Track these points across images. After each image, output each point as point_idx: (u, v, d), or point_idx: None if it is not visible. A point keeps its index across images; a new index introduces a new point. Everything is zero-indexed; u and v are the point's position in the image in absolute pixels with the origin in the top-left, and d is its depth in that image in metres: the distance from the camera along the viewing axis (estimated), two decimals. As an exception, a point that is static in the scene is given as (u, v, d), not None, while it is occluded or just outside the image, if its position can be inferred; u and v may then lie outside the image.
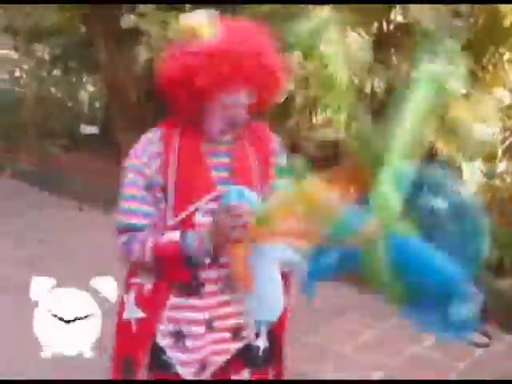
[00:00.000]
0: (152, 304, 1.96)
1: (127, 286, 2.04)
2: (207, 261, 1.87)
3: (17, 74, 11.49)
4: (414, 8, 5.29)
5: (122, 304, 2.06)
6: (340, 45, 1.69)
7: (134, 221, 1.92)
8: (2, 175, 8.63)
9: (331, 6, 5.72)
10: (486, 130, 5.23)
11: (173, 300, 1.95)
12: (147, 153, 1.92)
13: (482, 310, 4.37)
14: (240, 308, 1.95)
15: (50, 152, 8.49)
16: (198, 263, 1.86)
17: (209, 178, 1.93)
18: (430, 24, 5.07)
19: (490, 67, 5.97)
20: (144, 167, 1.91)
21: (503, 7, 5.13)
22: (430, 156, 6.34)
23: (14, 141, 10.06)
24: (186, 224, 1.88)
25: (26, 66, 10.88)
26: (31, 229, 5.82)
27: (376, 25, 5.97)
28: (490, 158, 5.44)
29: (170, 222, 1.90)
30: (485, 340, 4.12)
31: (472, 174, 5.33)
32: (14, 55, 11.55)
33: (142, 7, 5.95)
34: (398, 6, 6.16)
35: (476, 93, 5.43)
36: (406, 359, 3.91)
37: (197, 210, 1.89)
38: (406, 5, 5.51)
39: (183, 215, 1.88)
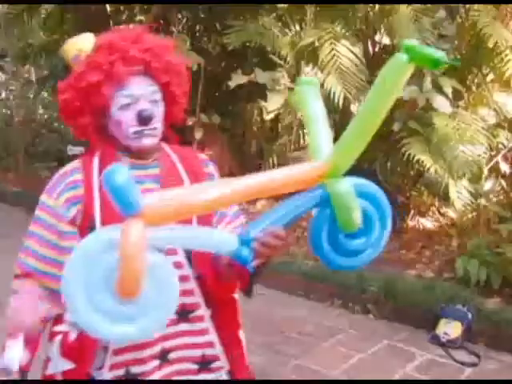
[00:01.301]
0: (82, 351, 1.68)
1: (51, 336, 1.77)
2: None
3: (3, 95, 11.49)
4: (399, 29, 5.36)
5: (46, 360, 1.79)
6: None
7: (32, 262, 1.75)
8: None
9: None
10: (472, 149, 5.28)
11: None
12: (60, 187, 1.75)
13: (470, 330, 4.41)
14: (209, 337, 1.77)
15: (37, 173, 8.48)
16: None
17: None
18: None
19: (474, 87, 6.05)
20: (52, 203, 1.75)
21: (486, 29, 5.19)
22: (418, 175, 6.40)
23: (1, 162, 10.05)
24: None
25: (13, 88, 10.87)
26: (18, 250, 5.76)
27: (362, 47, 6.04)
28: (476, 177, 5.48)
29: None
30: (474, 359, 4.17)
31: (459, 193, 5.37)
32: (1, 77, 11.56)
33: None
34: (382, 29, 6.26)
35: (461, 113, 5.50)
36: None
37: None
38: (392, 27, 5.58)
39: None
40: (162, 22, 7.69)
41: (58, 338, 1.73)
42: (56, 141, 10.01)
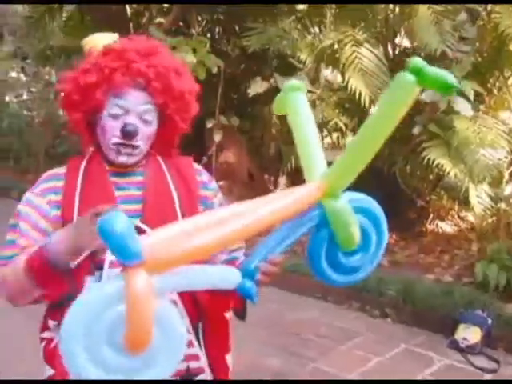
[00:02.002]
0: (59, 358, 1.56)
1: (39, 342, 1.78)
2: (68, 263, 1.58)
3: (24, 96, 11.59)
4: (419, 32, 5.33)
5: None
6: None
7: (9, 253, 1.71)
8: (9, 197, 8.68)
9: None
10: (493, 153, 5.23)
11: None
12: (44, 186, 1.76)
13: (490, 335, 4.38)
14: (194, 350, 1.71)
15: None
16: (60, 266, 1.56)
17: None
18: (437, 48, 5.10)
19: (495, 91, 6.00)
20: (35, 198, 1.74)
21: (508, 31, 5.14)
22: (438, 178, 6.36)
23: (22, 163, 10.14)
24: (95, 262, 1.63)
25: (34, 89, 10.97)
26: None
27: (381, 49, 6.02)
28: (497, 181, 5.43)
29: (72, 265, 1.64)
30: (493, 365, 4.12)
31: (479, 197, 5.33)
32: (23, 78, 11.68)
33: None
34: (402, 31, 6.24)
35: (482, 116, 5.45)
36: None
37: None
38: (412, 29, 5.55)
39: (86, 253, 1.60)
40: (181, 24, 7.73)
41: (43, 344, 1.75)
42: (76, 142, 10.04)
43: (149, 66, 1.69)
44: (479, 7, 5.49)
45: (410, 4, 5.61)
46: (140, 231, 1.62)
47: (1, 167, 10.33)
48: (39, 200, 1.74)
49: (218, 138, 7.01)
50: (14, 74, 12.05)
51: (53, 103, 10.37)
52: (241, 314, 1.77)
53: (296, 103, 1.69)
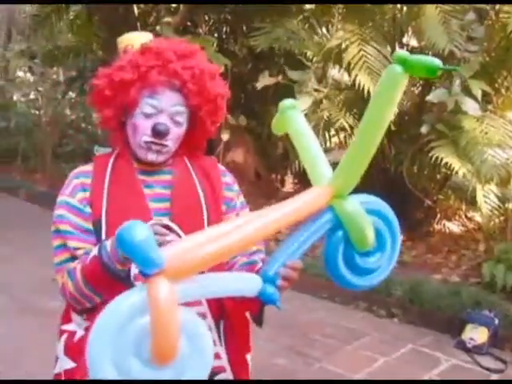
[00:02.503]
0: (83, 351, 1.56)
1: (59, 333, 1.78)
2: (124, 268, 1.58)
3: (32, 96, 11.62)
4: (427, 31, 5.32)
5: (55, 359, 1.80)
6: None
7: (62, 257, 1.73)
8: (17, 196, 8.72)
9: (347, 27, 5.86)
10: (500, 153, 5.21)
11: None
12: (73, 184, 1.77)
13: (497, 335, 4.37)
14: (216, 349, 1.66)
15: (64, 174, 8.56)
16: (118, 273, 1.57)
17: (143, 208, 1.72)
18: (445, 47, 5.09)
19: (503, 90, 5.98)
20: (70, 199, 1.75)
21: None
22: (445, 178, 6.34)
23: (29, 162, 10.17)
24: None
25: (41, 89, 11.00)
26: (45, 248, 5.83)
27: (389, 48, 6.01)
28: (505, 181, 5.41)
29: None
30: (500, 365, 4.11)
31: (486, 197, 5.31)
32: (31, 78, 11.71)
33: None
34: (410, 31, 6.23)
35: (490, 116, 5.43)
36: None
37: None
38: (420, 29, 5.53)
39: None
40: (189, 23, 7.73)
41: (64, 336, 1.75)
42: (83, 141, 10.10)
43: (185, 67, 1.70)
44: (487, 6, 5.47)
45: (418, 4, 5.60)
46: (169, 229, 1.67)
47: (8, 166, 10.35)
48: (72, 200, 1.74)
49: (225, 137, 7.01)
50: (21, 74, 12.09)
51: (60, 103, 10.42)
52: (258, 320, 1.76)
53: (294, 120, 1.74)
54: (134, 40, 1.78)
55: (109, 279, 1.58)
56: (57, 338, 1.78)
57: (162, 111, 1.70)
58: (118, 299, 1.28)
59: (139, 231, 1.22)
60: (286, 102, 1.78)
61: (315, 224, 1.52)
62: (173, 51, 1.71)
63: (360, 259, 1.56)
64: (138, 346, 1.25)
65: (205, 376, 1.37)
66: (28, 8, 11.65)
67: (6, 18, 12.65)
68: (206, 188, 1.81)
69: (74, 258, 1.71)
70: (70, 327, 1.75)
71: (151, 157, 1.73)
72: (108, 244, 1.57)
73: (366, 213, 1.53)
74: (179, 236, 1.68)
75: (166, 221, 1.70)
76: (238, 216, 1.86)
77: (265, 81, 6.08)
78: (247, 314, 1.79)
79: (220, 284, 1.42)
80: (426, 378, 3.83)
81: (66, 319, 1.77)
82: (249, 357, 1.85)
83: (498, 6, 5.53)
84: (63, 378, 1.73)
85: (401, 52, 1.40)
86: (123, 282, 1.57)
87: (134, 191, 1.75)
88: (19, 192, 8.77)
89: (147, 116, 1.70)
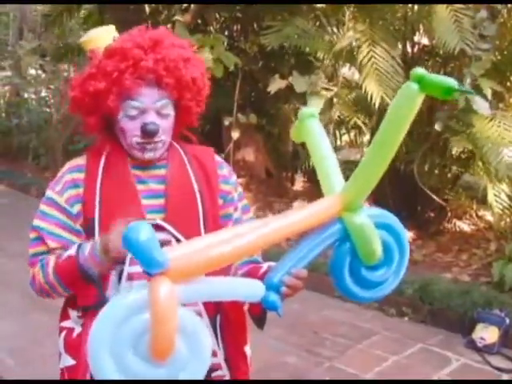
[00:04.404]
0: (81, 348, 1.66)
1: (59, 331, 1.79)
2: (101, 271, 1.61)
3: (43, 93, 11.67)
4: (439, 30, 5.30)
5: (59, 354, 1.80)
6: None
7: (36, 250, 1.75)
8: (28, 193, 8.76)
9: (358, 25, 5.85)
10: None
11: None
12: (64, 180, 1.75)
13: (507, 335, 4.34)
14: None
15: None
16: (93, 275, 1.61)
17: (136, 206, 1.70)
18: (455, 46, 5.06)
19: (515, 89, 5.95)
20: (57, 198, 1.73)
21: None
22: (456, 177, 6.32)
23: (41, 160, 10.21)
24: (118, 261, 1.64)
25: (52, 86, 11.04)
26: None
27: (400, 47, 5.99)
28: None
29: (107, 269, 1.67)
30: (510, 365, 4.09)
31: (497, 196, 5.29)
32: (42, 75, 11.76)
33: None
34: (422, 29, 6.20)
35: (501, 114, 5.41)
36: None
37: None
38: (431, 27, 5.51)
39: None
40: (199, 21, 7.74)
41: (63, 333, 1.75)
42: (94, 139, 10.12)
43: (156, 60, 1.65)
44: (499, 5, 5.44)
45: (428, 4, 5.58)
46: (163, 230, 1.67)
47: (20, 164, 10.41)
48: (59, 199, 1.73)
49: (235, 135, 7.02)
50: (32, 71, 12.14)
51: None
52: (259, 323, 1.74)
53: (312, 130, 1.73)
54: (98, 40, 1.72)
55: (79, 279, 1.63)
56: (57, 335, 1.79)
57: (146, 110, 1.67)
58: (120, 295, 1.33)
59: (144, 232, 1.25)
60: (306, 111, 1.77)
61: (323, 234, 1.53)
62: (139, 46, 1.66)
63: (366, 272, 1.57)
64: (137, 341, 1.29)
65: (202, 374, 1.38)
66: (39, 6, 11.70)
67: (18, 16, 12.70)
68: (202, 181, 1.79)
69: (48, 252, 1.73)
70: (68, 324, 1.75)
71: (149, 155, 1.71)
72: (87, 247, 1.62)
73: (375, 227, 1.53)
74: (173, 236, 1.68)
75: (159, 220, 1.68)
76: (237, 211, 1.85)
77: (276, 85, 6.06)
78: (246, 312, 1.78)
79: (223, 288, 1.43)
80: (435, 377, 3.82)
81: (64, 316, 1.78)
82: (247, 348, 1.84)
83: (510, 4, 5.50)
84: (65, 375, 1.74)
85: (419, 70, 1.40)
86: (92, 283, 1.63)
87: (127, 188, 1.72)
88: (30, 189, 8.81)
89: (132, 118, 1.67)
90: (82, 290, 1.66)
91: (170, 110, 1.71)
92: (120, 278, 1.65)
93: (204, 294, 1.40)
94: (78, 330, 1.71)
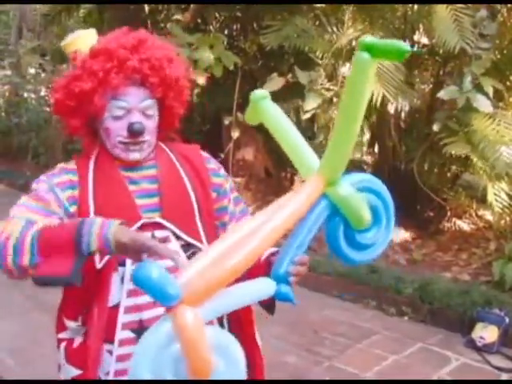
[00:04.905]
0: (86, 357, 1.64)
1: (57, 343, 1.75)
2: (98, 252, 1.49)
3: (42, 93, 11.67)
4: (438, 29, 5.29)
5: (58, 366, 1.77)
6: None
7: (26, 215, 1.64)
8: (27, 192, 8.74)
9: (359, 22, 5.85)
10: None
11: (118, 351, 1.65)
12: (63, 178, 1.70)
13: (507, 334, 4.34)
14: None
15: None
16: (88, 251, 1.45)
17: (131, 206, 1.68)
18: (456, 45, 5.06)
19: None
20: (57, 190, 1.68)
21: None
22: (455, 176, 6.32)
23: (40, 159, 10.21)
24: (118, 259, 1.62)
25: (52, 86, 11.02)
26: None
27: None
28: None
29: (99, 264, 1.61)
30: (510, 364, 4.09)
31: (497, 195, 5.29)
32: (41, 74, 11.75)
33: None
34: (421, 28, 6.20)
35: (501, 113, 5.40)
36: None
37: None
38: (431, 26, 5.51)
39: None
40: (199, 21, 7.74)
41: (63, 345, 1.73)
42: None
43: (141, 60, 1.66)
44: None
45: (428, 4, 5.58)
46: (162, 227, 1.67)
47: (19, 163, 10.41)
48: (60, 194, 1.68)
49: (235, 134, 7.02)
50: (32, 71, 12.13)
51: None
52: (269, 309, 1.76)
53: (268, 110, 1.75)
54: (80, 43, 1.70)
55: (67, 245, 1.45)
56: (56, 347, 1.76)
57: (131, 110, 1.67)
58: (151, 330, 1.33)
59: (153, 269, 1.27)
60: (257, 92, 1.77)
61: (313, 215, 1.55)
62: (123, 47, 1.66)
63: (359, 236, 1.60)
64: (176, 370, 1.31)
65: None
66: (39, 6, 11.69)
67: (17, 15, 12.70)
68: (192, 177, 1.80)
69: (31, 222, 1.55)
70: (65, 335, 1.73)
71: (133, 156, 1.71)
72: (97, 223, 1.46)
73: (358, 192, 1.56)
74: (172, 232, 1.68)
75: (157, 218, 1.69)
76: (230, 203, 1.87)
77: (273, 84, 6.03)
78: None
79: (238, 297, 1.45)
80: (435, 376, 3.83)
81: (60, 327, 1.75)
82: (258, 338, 1.84)
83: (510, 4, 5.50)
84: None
85: (366, 38, 1.41)
86: (80, 256, 1.45)
87: (119, 190, 1.70)
88: (30, 188, 8.80)
89: (118, 118, 1.67)
90: (56, 260, 1.45)
91: (154, 111, 1.72)
92: (123, 279, 1.64)
93: (222, 308, 1.43)
94: (78, 339, 1.69)
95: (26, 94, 11.99)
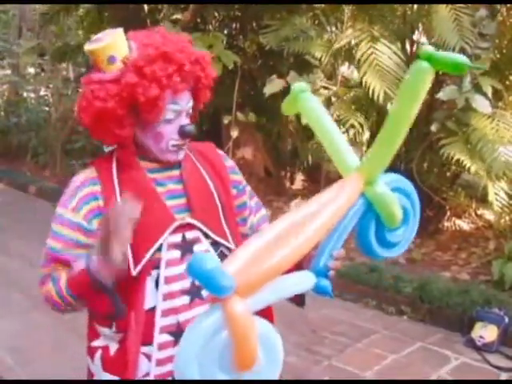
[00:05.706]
0: (125, 363, 1.64)
1: (90, 352, 1.75)
2: (109, 280, 1.55)
3: (42, 92, 11.68)
4: (438, 28, 5.30)
5: (88, 373, 1.77)
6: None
7: (53, 267, 1.70)
8: (27, 191, 8.76)
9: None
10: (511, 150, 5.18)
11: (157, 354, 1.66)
12: (80, 196, 1.68)
13: (506, 334, 4.34)
14: None
15: (74, 170, 8.59)
16: (104, 283, 1.55)
17: (162, 208, 1.68)
18: (455, 44, 5.06)
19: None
20: (71, 215, 1.68)
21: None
22: (455, 176, 6.32)
23: (39, 158, 10.22)
24: (152, 262, 1.64)
25: (51, 85, 11.04)
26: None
27: (399, 45, 5.99)
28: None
29: (134, 272, 1.62)
30: (509, 364, 4.10)
31: (496, 194, 5.29)
32: (41, 74, 11.76)
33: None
34: (421, 27, 6.20)
35: (501, 113, 5.41)
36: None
37: (159, 247, 1.64)
38: (431, 26, 5.51)
39: (147, 258, 1.62)
40: (198, 20, 7.74)
41: (98, 353, 1.71)
42: (92, 138, 10.11)
43: (192, 63, 1.65)
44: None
45: (428, 4, 5.58)
46: (193, 228, 1.69)
47: (19, 162, 10.42)
48: (75, 216, 1.68)
49: (234, 134, 7.02)
50: (32, 70, 12.14)
51: (70, 99, 10.44)
52: (299, 302, 1.77)
53: (310, 102, 1.75)
54: (116, 47, 1.63)
55: (91, 288, 1.57)
56: (88, 357, 1.75)
57: (181, 112, 1.67)
58: (197, 320, 1.34)
59: (208, 261, 1.28)
60: (298, 85, 1.77)
61: (351, 212, 1.59)
62: (179, 50, 1.64)
63: (389, 234, 1.65)
64: (222, 360, 1.33)
65: (276, 375, 1.45)
66: (38, 5, 11.69)
67: (17, 14, 12.69)
68: (213, 175, 1.80)
69: (58, 270, 1.68)
70: (100, 343, 1.72)
71: (181, 156, 1.73)
72: (94, 258, 1.54)
73: (391, 192, 1.61)
74: (202, 232, 1.70)
75: (188, 219, 1.69)
76: (250, 201, 1.90)
77: (272, 87, 6.00)
78: None
79: (282, 288, 1.47)
80: (435, 375, 3.83)
81: (93, 335, 1.73)
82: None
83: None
84: None
85: (427, 48, 1.43)
86: (105, 292, 1.57)
87: (148, 192, 1.68)
88: (29, 188, 8.82)
89: (170, 121, 1.66)
90: (98, 301, 1.60)
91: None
92: (157, 283, 1.65)
93: (266, 300, 1.43)
94: (113, 346, 1.68)
95: (25, 94, 12.00)
